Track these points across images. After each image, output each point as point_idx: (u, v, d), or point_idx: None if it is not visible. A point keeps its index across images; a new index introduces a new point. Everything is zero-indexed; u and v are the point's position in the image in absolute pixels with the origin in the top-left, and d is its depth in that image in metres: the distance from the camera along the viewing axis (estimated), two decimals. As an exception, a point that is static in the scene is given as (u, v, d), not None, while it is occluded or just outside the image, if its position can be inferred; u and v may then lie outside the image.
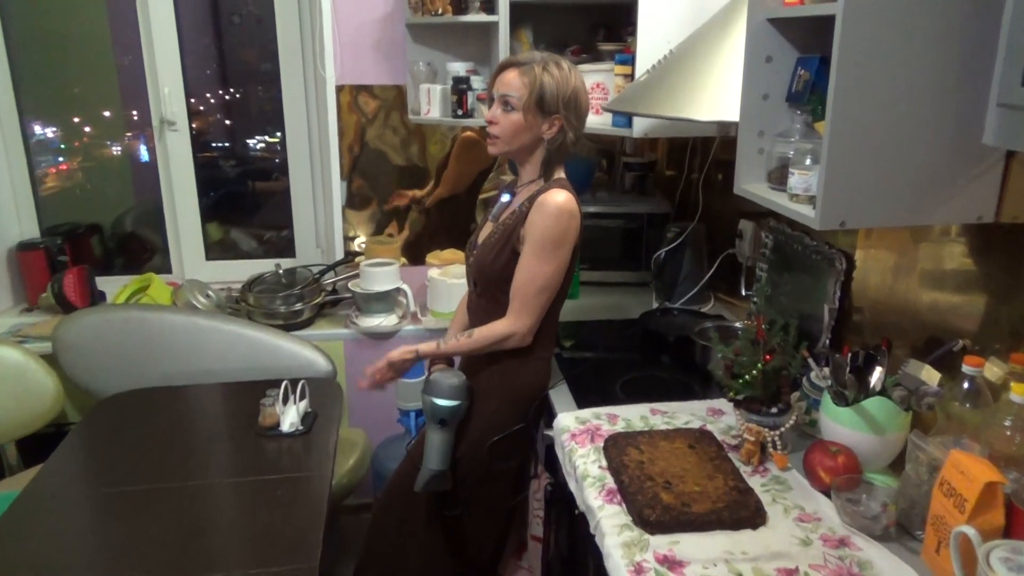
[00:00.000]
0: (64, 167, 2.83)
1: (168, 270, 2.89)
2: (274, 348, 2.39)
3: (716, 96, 1.53)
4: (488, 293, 1.71)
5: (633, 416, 1.61)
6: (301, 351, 2.40)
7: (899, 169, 1.17)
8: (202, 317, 2.40)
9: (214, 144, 2.92)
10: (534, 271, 1.61)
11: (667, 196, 2.62)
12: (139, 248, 2.98)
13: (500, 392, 1.71)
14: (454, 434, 1.68)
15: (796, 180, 1.28)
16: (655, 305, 2.29)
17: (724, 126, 1.78)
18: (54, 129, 2.77)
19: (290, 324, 2.55)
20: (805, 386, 1.55)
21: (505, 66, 1.65)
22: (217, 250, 2.99)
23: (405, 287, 2.57)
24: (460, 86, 2.33)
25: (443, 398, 1.63)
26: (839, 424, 1.35)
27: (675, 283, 2.24)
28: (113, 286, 2.68)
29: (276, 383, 1.99)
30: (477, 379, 1.71)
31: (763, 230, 1.99)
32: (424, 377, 2.10)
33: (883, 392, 1.33)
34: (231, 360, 2.36)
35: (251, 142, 2.96)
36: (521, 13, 2.28)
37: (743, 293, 2.05)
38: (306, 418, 1.89)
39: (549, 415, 1.74)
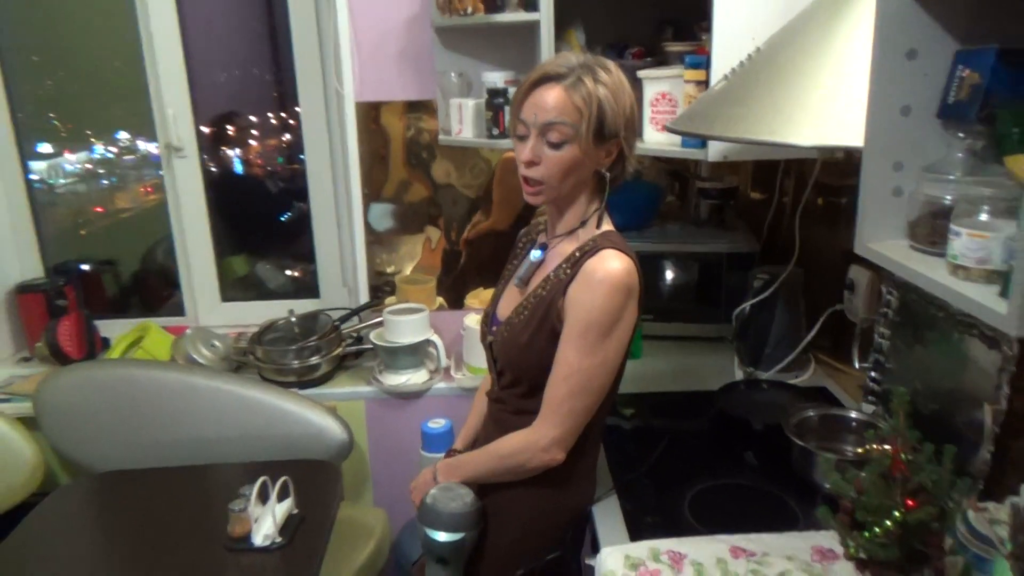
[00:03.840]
0: (87, 198, 2.57)
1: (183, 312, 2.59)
2: (281, 413, 2.03)
3: (824, 111, 1.06)
4: (522, 386, 1.29)
5: (706, 557, 1.15)
6: (312, 417, 2.04)
7: None
8: (200, 375, 2.07)
9: (268, 169, 2.61)
10: (572, 365, 1.18)
11: (752, 228, 2.13)
12: (158, 285, 2.70)
13: (526, 515, 1.28)
14: (461, 572, 1.26)
15: (964, 244, 0.81)
16: (737, 373, 1.81)
17: (831, 148, 1.30)
18: (78, 159, 2.52)
19: (304, 381, 2.20)
20: (961, 531, 1.06)
21: (539, 81, 1.18)
22: (241, 287, 2.67)
23: (435, 339, 2.18)
24: (496, 100, 1.92)
25: (441, 530, 1.20)
26: (1031, 621, 0.86)
27: (763, 344, 1.76)
28: (122, 330, 2.40)
29: (266, 466, 1.64)
30: (494, 497, 1.29)
31: (884, 283, 1.49)
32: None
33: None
34: (231, 427, 2.02)
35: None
36: (569, 9, 1.85)
37: (856, 365, 1.56)
38: (289, 523, 1.51)
39: (594, 539, 1.30)
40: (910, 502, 0.94)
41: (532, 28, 1.87)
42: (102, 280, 2.67)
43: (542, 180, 1.20)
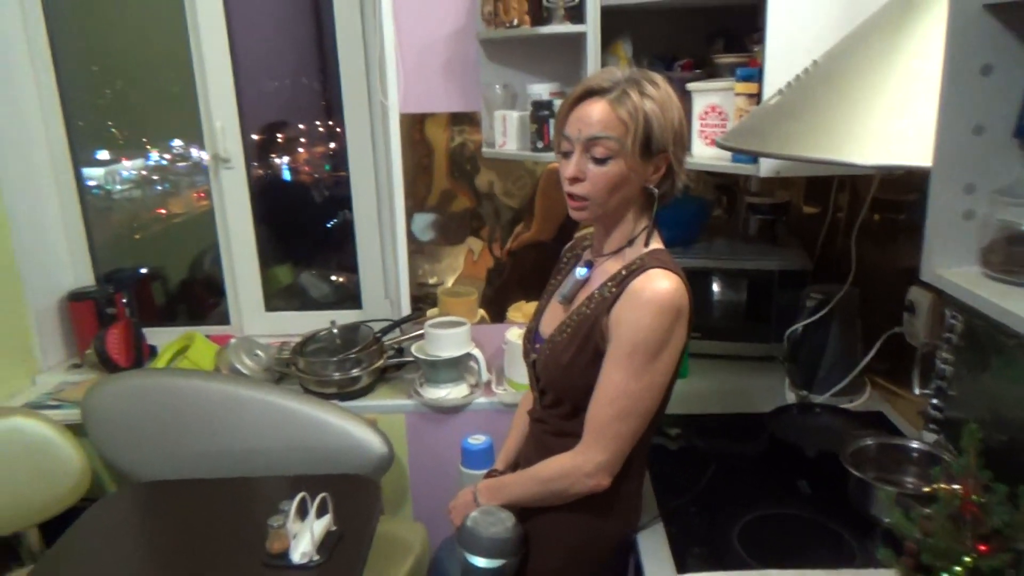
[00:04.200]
0: (141, 204, 2.62)
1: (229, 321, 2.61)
2: (321, 425, 2.03)
3: (887, 128, 1.01)
4: (564, 406, 1.26)
5: (756, 594, 1.10)
6: (351, 429, 2.03)
7: None
8: (243, 386, 2.08)
9: (315, 176, 2.63)
10: (618, 387, 1.14)
11: (805, 244, 2.07)
12: (205, 294, 2.73)
13: (568, 542, 1.24)
14: (500, 601, 1.23)
15: (1046, 275, 0.76)
16: (788, 395, 1.75)
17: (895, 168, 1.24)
18: (130, 166, 2.57)
19: (345, 393, 2.19)
20: (1036, 578, 0.99)
21: (583, 96, 1.15)
22: (285, 296, 2.69)
23: (476, 352, 2.16)
24: (541, 112, 1.89)
25: (481, 556, 1.17)
26: None
27: (816, 367, 1.70)
28: (169, 339, 2.43)
29: (307, 480, 1.63)
30: (535, 522, 1.25)
31: (948, 306, 1.42)
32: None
33: None
34: (272, 438, 2.02)
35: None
36: (616, 21, 1.82)
37: (916, 391, 1.48)
38: (327, 540, 1.49)
39: (638, 569, 1.26)
40: (982, 547, 0.87)
41: (578, 40, 1.84)
42: (151, 288, 2.71)
43: (587, 196, 1.17)
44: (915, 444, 1.38)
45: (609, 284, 1.19)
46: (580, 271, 1.26)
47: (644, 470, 1.31)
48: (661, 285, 1.12)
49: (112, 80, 2.47)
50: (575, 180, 1.17)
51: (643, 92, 1.13)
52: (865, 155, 0.99)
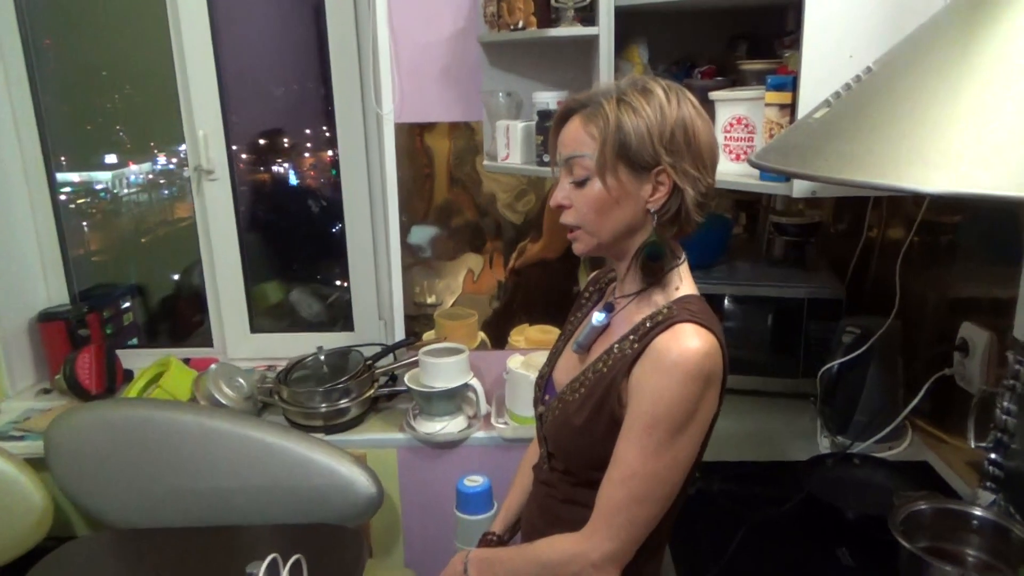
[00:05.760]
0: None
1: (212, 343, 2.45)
2: (304, 462, 1.87)
3: (967, 150, 0.83)
4: (574, 475, 1.08)
5: None
6: (339, 468, 1.87)
7: None
8: (220, 419, 1.91)
9: (309, 186, 2.47)
10: (633, 466, 0.96)
11: (836, 268, 1.89)
12: (189, 312, 2.56)
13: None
14: None
15: None
16: (821, 441, 1.57)
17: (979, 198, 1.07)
18: (137, 170, 2.43)
19: (332, 425, 2.02)
20: None
21: (565, 115, 1.02)
22: (274, 316, 2.52)
23: (475, 383, 1.98)
24: (547, 123, 1.72)
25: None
26: None
27: (852, 409, 1.52)
28: (147, 362, 2.26)
29: (284, 532, 1.46)
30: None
31: (1011, 348, 1.24)
32: (491, 513, 1.54)
33: None
34: (251, 477, 1.86)
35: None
36: (631, 24, 1.65)
37: (972, 444, 1.30)
38: (302, 607, 1.32)
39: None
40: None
41: (590, 44, 1.68)
42: (131, 306, 2.55)
43: (578, 224, 1.03)
44: (978, 512, 1.19)
45: (631, 338, 1.01)
46: (598, 316, 1.08)
47: (663, 551, 1.13)
48: (690, 344, 0.94)
49: (119, 86, 2.33)
50: (560, 207, 1.04)
51: (622, 100, 0.96)
52: (942, 182, 0.81)
